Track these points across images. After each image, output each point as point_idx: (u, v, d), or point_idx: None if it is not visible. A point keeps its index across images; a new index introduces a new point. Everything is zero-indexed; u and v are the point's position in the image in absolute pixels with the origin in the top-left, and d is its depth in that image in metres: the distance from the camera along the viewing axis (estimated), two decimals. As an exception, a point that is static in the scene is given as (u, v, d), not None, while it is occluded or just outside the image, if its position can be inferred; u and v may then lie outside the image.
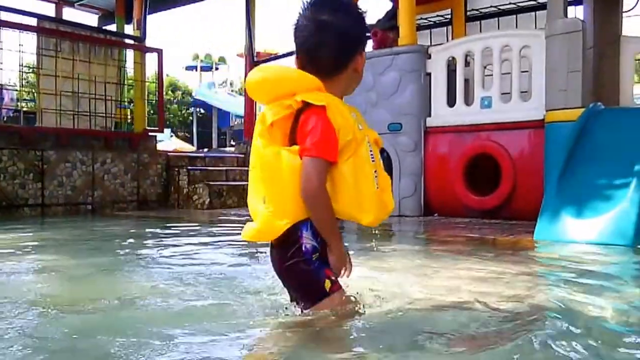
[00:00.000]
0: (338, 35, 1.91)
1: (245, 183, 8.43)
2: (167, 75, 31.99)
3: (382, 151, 6.77)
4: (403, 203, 6.30)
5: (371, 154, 1.90)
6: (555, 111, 5.23)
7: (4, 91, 10.66)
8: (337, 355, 1.65)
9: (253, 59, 10.27)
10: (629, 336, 1.84)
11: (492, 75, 6.03)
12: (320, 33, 1.91)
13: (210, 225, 5.88)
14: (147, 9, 9.16)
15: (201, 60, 31.27)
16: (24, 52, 7.30)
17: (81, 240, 4.73)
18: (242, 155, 9.57)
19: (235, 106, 24.22)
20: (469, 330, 1.92)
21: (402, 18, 6.47)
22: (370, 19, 7.99)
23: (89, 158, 7.43)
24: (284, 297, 2.09)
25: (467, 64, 6.32)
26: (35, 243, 4.42)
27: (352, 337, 1.81)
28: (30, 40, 7.46)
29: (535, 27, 7.16)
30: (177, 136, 29.60)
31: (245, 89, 2.00)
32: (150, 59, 8.82)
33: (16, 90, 11.74)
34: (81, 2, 10.71)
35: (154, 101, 9.52)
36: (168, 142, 22.90)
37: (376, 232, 4.96)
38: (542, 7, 6.86)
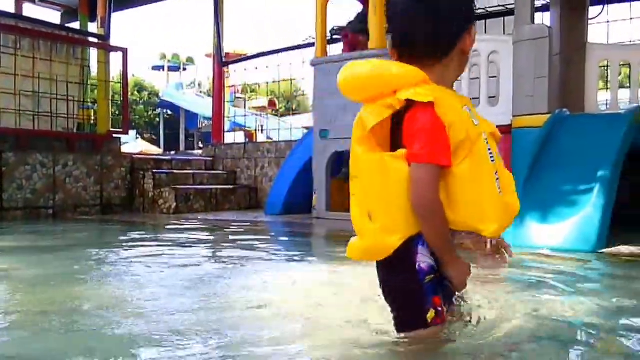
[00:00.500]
0: (440, 11, 1.72)
1: (213, 187, 8.46)
2: (133, 75, 31.66)
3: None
4: (371, 208, 6.35)
5: (490, 153, 1.68)
6: (522, 117, 5.35)
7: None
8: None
9: (222, 60, 10.27)
10: (595, 340, 1.91)
11: (461, 80, 6.13)
12: (418, 12, 1.72)
13: (175, 231, 5.86)
14: (112, 6, 9.09)
15: (168, 61, 31.05)
16: (-18, 50, 7.20)
17: (39, 246, 4.67)
18: (211, 159, 9.55)
19: (204, 108, 24.08)
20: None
21: (372, 22, 6.54)
22: (341, 21, 8.06)
23: (50, 160, 7.33)
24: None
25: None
26: (-9, 248, 4.36)
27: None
28: (-12, 37, 7.35)
29: (504, 33, 7.30)
30: (143, 138, 29.32)
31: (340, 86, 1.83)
32: (115, 59, 8.75)
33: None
34: (43, -1, 10.58)
35: (118, 102, 9.44)
36: (133, 144, 22.67)
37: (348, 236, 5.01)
38: (511, 12, 6.99)
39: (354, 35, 7.15)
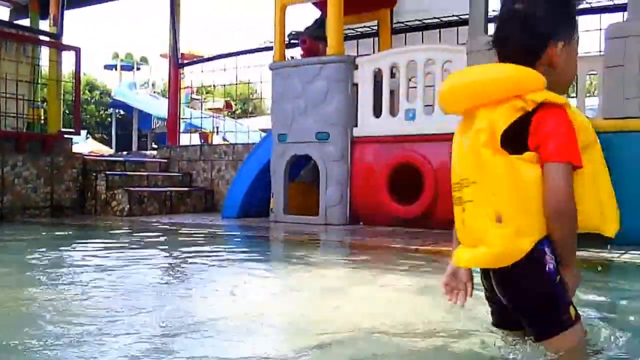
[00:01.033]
0: (523, 22, 1.74)
1: (168, 189, 8.41)
2: (84, 74, 30.98)
3: (309, 159, 6.88)
4: (330, 211, 6.47)
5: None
6: (475, 124, 5.51)
7: None
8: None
9: (178, 60, 10.22)
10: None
11: (416, 87, 6.29)
12: (508, 22, 1.77)
13: (127, 234, 5.82)
14: (65, 4, 8.94)
15: (121, 60, 30.51)
16: None
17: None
18: (165, 160, 9.48)
19: (158, 108, 23.78)
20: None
21: (330, 28, 6.64)
22: (299, 26, 8.14)
23: (-1, 161, 7.17)
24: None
25: (392, 75, 6.57)
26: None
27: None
28: None
29: (458, 42, 7.50)
30: (94, 138, 28.74)
31: (439, 96, 1.89)
32: (67, 57, 8.62)
33: None
34: (-9, -6, 10.31)
35: (69, 101, 9.28)
36: (83, 143, 22.19)
37: (304, 241, 5.07)
38: (464, 22, 7.19)
39: (312, 41, 7.23)
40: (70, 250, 4.55)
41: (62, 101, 8.76)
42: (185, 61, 10.84)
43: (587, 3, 7.23)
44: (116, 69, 31.06)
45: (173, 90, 10.58)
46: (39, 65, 8.42)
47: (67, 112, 11.39)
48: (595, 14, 7.31)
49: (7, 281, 3.16)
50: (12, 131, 7.76)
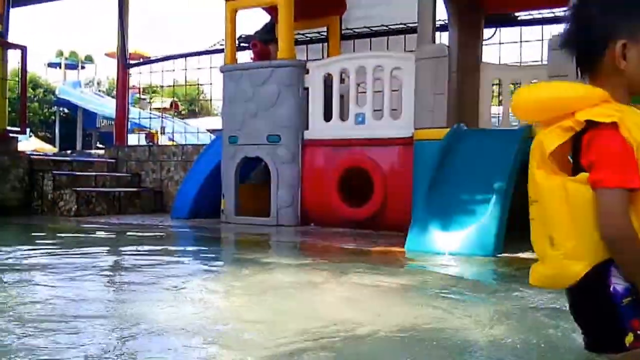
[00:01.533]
0: (579, 22, 1.63)
1: (117, 190, 8.11)
2: (28, 71, 29.74)
3: (260, 161, 6.75)
4: (281, 213, 6.36)
5: None
6: (423, 130, 5.52)
7: None
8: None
9: (126, 61, 9.89)
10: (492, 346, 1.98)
11: (365, 93, 6.25)
12: (569, 22, 1.65)
13: (74, 236, 5.56)
14: (11, 2, 8.50)
15: (66, 58, 29.44)
16: None
17: None
18: (113, 161, 9.13)
19: (103, 107, 23.09)
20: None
21: (282, 33, 6.53)
22: (249, 30, 8.00)
23: (-60, 160, 6.73)
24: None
25: (342, 80, 6.51)
26: None
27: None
28: None
29: (405, 49, 7.52)
30: (37, 136, 27.63)
31: (512, 110, 1.76)
32: (12, 55, 8.19)
33: None
34: None
35: (13, 99, 8.83)
36: (26, 142, 21.28)
37: (257, 242, 4.96)
38: (411, 30, 7.22)
39: (263, 45, 7.10)
40: (15, 252, 4.28)
41: (6, 100, 8.31)
42: (133, 62, 10.49)
43: (529, 15, 7.37)
44: (60, 67, 29.98)
45: (121, 91, 10.24)
46: (-17, 63, 7.95)
47: (10, 110, 10.85)
48: (537, 25, 7.45)
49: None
50: (-46, 129, 7.30)
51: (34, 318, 2.22)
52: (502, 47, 7.55)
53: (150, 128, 17.21)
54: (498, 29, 7.51)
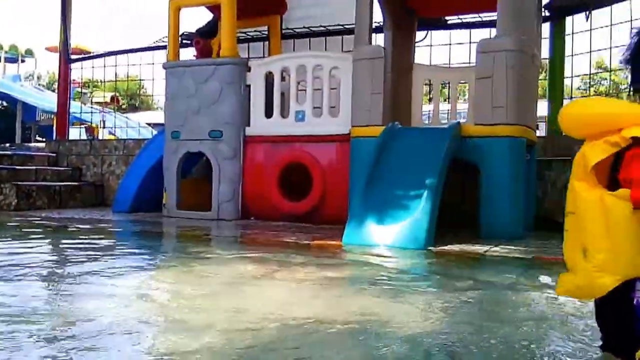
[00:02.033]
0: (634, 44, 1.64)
1: (57, 184, 7.78)
2: (-37, 63, 28.19)
3: (202, 156, 6.62)
4: (222, 207, 6.27)
5: None
6: (360, 127, 5.55)
7: None
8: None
9: (69, 56, 9.49)
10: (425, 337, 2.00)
11: (305, 91, 6.23)
12: (634, 46, 1.66)
13: (18, 230, 5.31)
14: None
15: (5, 52, 28.06)
16: None
17: None
18: (54, 154, 8.76)
19: (43, 101, 22.14)
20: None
21: (224, 31, 6.42)
22: (192, 28, 7.83)
23: None
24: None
25: (283, 79, 6.47)
26: None
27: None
28: None
29: (342, 50, 7.53)
30: (-28, 129, 26.23)
31: (561, 123, 1.68)
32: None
33: None
34: None
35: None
36: (-39, 135, 20.14)
37: (198, 236, 4.86)
38: (348, 32, 7.24)
39: (205, 42, 6.96)
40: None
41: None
42: (75, 57, 10.07)
43: (459, 19, 7.51)
44: (0, 61, 28.55)
45: (62, 86, 9.82)
46: None
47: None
48: (466, 28, 7.60)
49: None
50: None
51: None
52: (433, 49, 7.67)
53: (90, 122, 16.63)
54: (429, 32, 7.62)
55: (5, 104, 27.71)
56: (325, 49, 7.89)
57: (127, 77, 10.49)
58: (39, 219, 6.13)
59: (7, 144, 16.51)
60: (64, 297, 2.59)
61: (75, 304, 2.37)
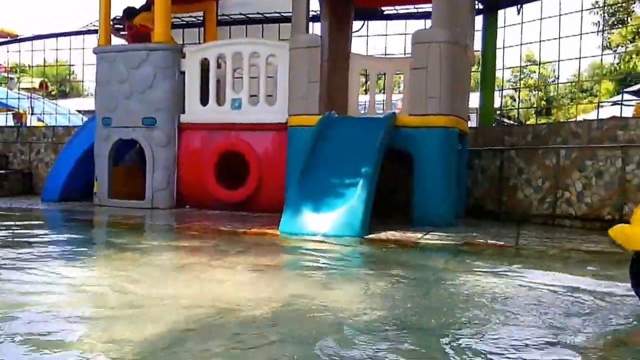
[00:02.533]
0: None
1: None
2: None
3: (135, 143, 6.41)
4: (156, 195, 6.09)
5: None
6: (296, 116, 5.51)
7: None
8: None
9: (-10, 38, 8.95)
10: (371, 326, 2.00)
11: (242, 78, 6.12)
12: None
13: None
14: None
15: None
16: None
17: None
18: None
19: (-35, 86, 20.86)
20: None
21: (158, 16, 6.20)
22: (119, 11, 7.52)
23: None
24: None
25: (219, 66, 6.33)
26: None
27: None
28: None
29: (279, 38, 7.44)
30: None
31: None
32: None
33: None
34: None
35: None
36: None
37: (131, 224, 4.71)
38: (285, 20, 7.17)
39: (138, 28, 6.72)
40: None
41: None
42: (1, 40, 9.52)
43: (394, 10, 7.55)
44: None
45: (-14, 69, 9.26)
46: None
47: None
48: (402, 19, 7.65)
49: None
50: None
51: None
52: (370, 39, 7.70)
53: (18, 108, 15.81)
54: (366, 22, 7.63)
55: None
56: (262, 37, 7.78)
57: (57, 62, 10.01)
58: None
59: None
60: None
61: (3, 296, 2.22)
